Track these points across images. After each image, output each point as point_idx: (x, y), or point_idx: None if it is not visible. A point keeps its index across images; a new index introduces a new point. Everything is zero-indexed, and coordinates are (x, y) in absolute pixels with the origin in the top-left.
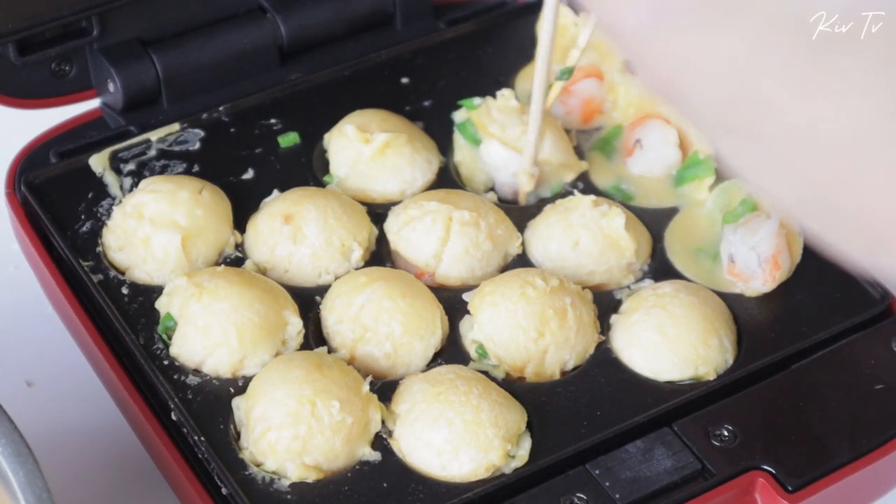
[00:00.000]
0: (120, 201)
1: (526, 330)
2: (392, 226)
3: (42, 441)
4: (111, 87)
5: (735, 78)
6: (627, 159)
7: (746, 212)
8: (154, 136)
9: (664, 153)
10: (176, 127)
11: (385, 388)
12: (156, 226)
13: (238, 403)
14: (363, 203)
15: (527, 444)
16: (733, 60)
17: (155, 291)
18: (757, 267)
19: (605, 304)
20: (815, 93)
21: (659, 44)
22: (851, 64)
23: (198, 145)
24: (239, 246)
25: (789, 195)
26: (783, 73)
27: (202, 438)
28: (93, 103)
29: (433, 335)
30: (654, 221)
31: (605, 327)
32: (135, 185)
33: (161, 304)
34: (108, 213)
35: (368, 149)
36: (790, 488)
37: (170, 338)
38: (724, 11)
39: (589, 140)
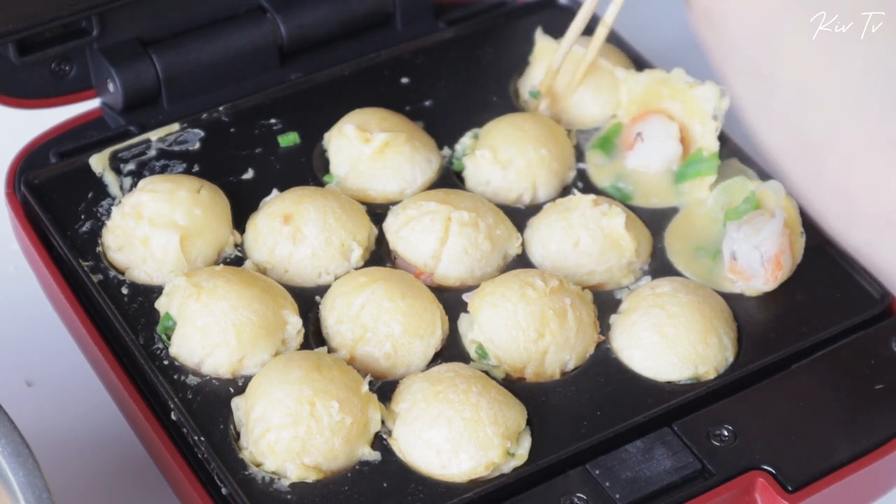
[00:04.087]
0: (119, 201)
1: (526, 331)
2: (391, 226)
3: (42, 441)
4: (111, 87)
5: (761, 22)
6: (628, 152)
7: (750, 209)
8: (154, 136)
9: (665, 146)
10: (176, 127)
11: (385, 388)
12: (155, 225)
13: (237, 403)
14: (363, 203)
15: (526, 442)
16: (764, 6)
17: (155, 291)
18: (759, 266)
19: (605, 304)
20: (828, 53)
21: None
22: (861, 49)
23: (198, 145)
24: (238, 246)
25: (785, 142)
26: (805, 31)
27: (202, 438)
28: (93, 103)
29: (433, 335)
30: (654, 221)
31: (604, 327)
32: (134, 185)
33: (161, 304)
34: (108, 213)
35: (368, 148)
36: (790, 488)
37: (169, 338)
38: None
39: (589, 139)
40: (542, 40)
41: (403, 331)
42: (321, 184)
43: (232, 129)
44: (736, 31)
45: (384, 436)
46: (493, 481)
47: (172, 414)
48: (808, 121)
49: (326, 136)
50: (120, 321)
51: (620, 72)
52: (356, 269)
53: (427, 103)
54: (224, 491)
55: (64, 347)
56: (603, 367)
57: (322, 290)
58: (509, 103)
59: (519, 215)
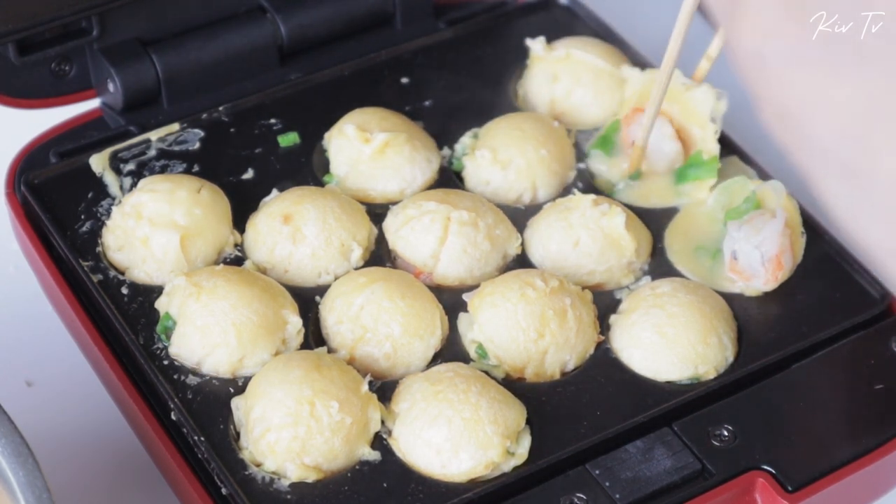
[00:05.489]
0: (119, 201)
1: (526, 331)
2: (391, 225)
3: (42, 441)
4: (111, 87)
5: (852, 122)
6: (629, 159)
7: (750, 209)
8: (154, 136)
9: (664, 147)
10: (176, 127)
11: (385, 388)
12: (154, 225)
13: (237, 403)
14: (363, 203)
15: (526, 441)
16: (854, 104)
17: (155, 291)
18: (759, 266)
19: (605, 304)
20: None
21: (787, 74)
22: None
23: (198, 145)
24: (238, 246)
25: (889, 237)
26: None
27: (202, 438)
28: (93, 103)
29: (433, 336)
30: (654, 221)
31: (604, 327)
32: (134, 185)
33: (161, 304)
34: (108, 213)
35: (368, 148)
36: (790, 488)
37: (169, 337)
38: (853, 54)
39: (589, 139)
40: (535, 46)
41: (403, 331)
42: (321, 184)
43: (232, 129)
44: (824, 133)
45: (384, 436)
46: (493, 481)
47: (172, 414)
48: None
49: (326, 136)
50: (120, 321)
51: (625, 69)
52: (356, 269)
53: (427, 103)
54: (224, 491)
55: (64, 347)
56: (603, 367)
57: (322, 290)
58: (509, 103)
59: (519, 215)
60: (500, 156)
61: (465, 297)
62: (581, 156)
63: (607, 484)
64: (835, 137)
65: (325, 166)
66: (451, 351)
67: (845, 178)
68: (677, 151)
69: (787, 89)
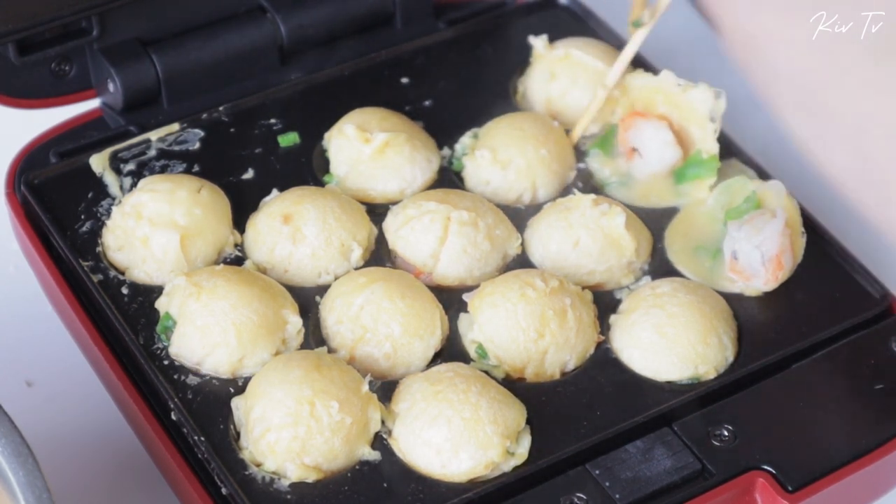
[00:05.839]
0: (119, 201)
1: (526, 331)
2: (391, 225)
3: (42, 441)
4: (111, 87)
5: (815, 58)
6: (628, 163)
7: (751, 209)
8: (154, 135)
9: (663, 155)
10: (176, 127)
11: (385, 388)
12: (154, 225)
13: (237, 403)
14: (363, 203)
15: (526, 441)
16: (819, 40)
17: (155, 291)
18: (760, 266)
19: (605, 304)
20: (883, 86)
21: (757, 9)
22: None
23: (198, 145)
24: (238, 246)
25: (848, 170)
26: (857, 64)
27: (202, 438)
28: (93, 103)
29: (433, 336)
30: (654, 221)
31: (604, 327)
32: (134, 185)
33: (161, 304)
34: (108, 213)
35: (368, 148)
36: (790, 488)
37: (169, 338)
38: None
39: (589, 139)
40: (537, 43)
41: (403, 331)
42: (321, 184)
43: (232, 129)
44: (788, 64)
45: (384, 436)
46: (493, 481)
47: (172, 414)
48: (871, 148)
49: (326, 136)
50: (120, 321)
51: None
52: (356, 269)
53: (427, 103)
54: (224, 491)
55: (64, 347)
56: (603, 367)
57: (322, 290)
58: (509, 103)
59: (519, 215)
60: (500, 156)
61: (465, 297)
62: (581, 156)
63: (607, 484)
64: (796, 67)
65: (325, 166)
66: (451, 351)
67: (805, 108)
68: (678, 159)
69: (754, 20)
